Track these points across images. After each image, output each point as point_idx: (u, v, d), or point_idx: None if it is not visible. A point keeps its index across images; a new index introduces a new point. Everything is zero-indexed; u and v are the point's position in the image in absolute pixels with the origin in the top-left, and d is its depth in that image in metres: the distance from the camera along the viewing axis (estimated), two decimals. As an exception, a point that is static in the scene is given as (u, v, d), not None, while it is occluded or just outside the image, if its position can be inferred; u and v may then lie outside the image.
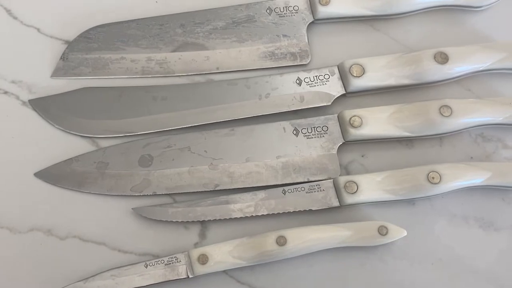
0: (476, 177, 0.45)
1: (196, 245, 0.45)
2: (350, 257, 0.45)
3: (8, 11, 0.51)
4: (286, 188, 0.45)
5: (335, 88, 0.48)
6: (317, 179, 0.46)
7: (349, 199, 0.45)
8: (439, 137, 0.48)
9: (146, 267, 0.43)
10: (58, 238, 0.45)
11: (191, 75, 0.50)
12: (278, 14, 0.50)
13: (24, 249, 0.45)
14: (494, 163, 0.46)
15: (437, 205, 0.47)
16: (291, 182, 0.46)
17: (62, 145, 0.47)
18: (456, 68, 0.47)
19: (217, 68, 0.50)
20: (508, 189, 0.46)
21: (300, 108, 0.48)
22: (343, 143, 0.47)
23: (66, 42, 0.50)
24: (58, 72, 0.49)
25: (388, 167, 0.46)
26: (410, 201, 0.46)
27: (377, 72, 0.48)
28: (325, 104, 0.48)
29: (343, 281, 0.45)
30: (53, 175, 0.46)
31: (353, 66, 0.47)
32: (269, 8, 0.50)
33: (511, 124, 0.47)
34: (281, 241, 0.42)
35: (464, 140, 0.48)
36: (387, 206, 0.46)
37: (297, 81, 0.48)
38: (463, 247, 0.46)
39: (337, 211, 0.46)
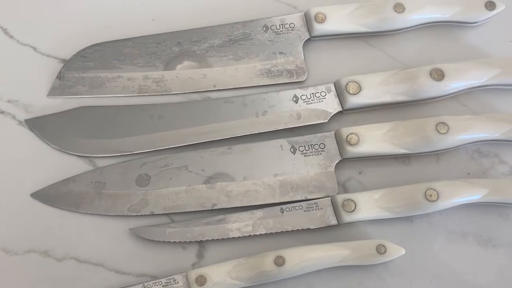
0: (473, 194, 0.45)
1: (194, 265, 0.45)
2: (348, 275, 0.45)
3: (5, 30, 0.51)
4: (284, 206, 0.45)
5: (331, 105, 0.48)
6: (315, 197, 0.46)
7: (347, 218, 0.44)
8: (436, 154, 0.48)
9: (144, 288, 0.43)
10: (55, 259, 0.45)
11: (188, 93, 0.50)
12: (274, 32, 0.51)
13: (20, 271, 0.45)
14: (491, 180, 0.46)
15: (435, 222, 0.47)
16: (289, 200, 0.46)
17: (59, 165, 0.47)
18: (452, 84, 0.48)
19: (214, 86, 0.50)
20: (505, 206, 0.47)
21: (297, 126, 0.48)
22: (340, 160, 0.47)
23: (63, 61, 0.50)
24: (54, 91, 0.49)
25: (385, 184, 0.46)
26: (408, 219, 0.46)
27: (373, 89, 0.48)
28: (322, 122, 0.48)
29: (342, 300, 0.45)
30: (50, 195, 0.46)
31: (349, 83, 0.48)
32: (265, 25, 0.51)
33: (508, 140, 0.47)
34: (279, 262, 0.42)
35: (461, 156, 0.49)
36: (385, 223, 0.46)
37: (294, 99, 0.48)
38: (461, 264, 0.46)
39: (335, 230, 0.46)
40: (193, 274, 0.43)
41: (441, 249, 0.46)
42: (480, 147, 0.49)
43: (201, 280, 0.42)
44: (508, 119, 0.47)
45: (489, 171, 0.48)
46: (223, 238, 0.45)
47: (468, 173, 0.48)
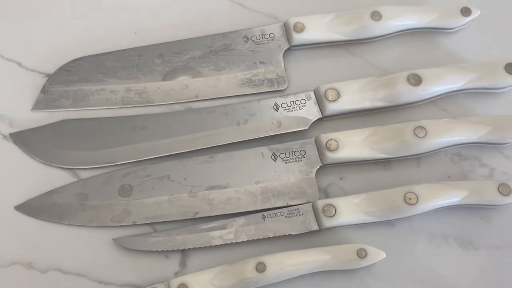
0: (452, 196, 0.45)
1: (176, 274, 0.45)
2: (331, 281, 0.45)
3: (-11, 47, 0.52)
4: (265, 213, 0.46)
5: (311, 112, 0.49)
6: (296, 203, 0.46)
7: (327, 223, 0.45)
8: (417, 158, 0.49)
9: (127, 298, 0.43)
10: (39, 271, 0.45)
11: (170, 103, 0.51)
12: (255, 42, 0.51)
13: (4, 283, 0.45)
14: (470, 182, 0.47)
15: (416, 226, 0.47)
16: (271, 207, 0.46)
17: (43, 177, 0.48)
18: (430, 89, 0.48)
19: (196, 96, 0.51)
20: (486, 208, 0.47)
21: (278, 133, 0.48)
22: (321, 166, 0.47)
23: (47, 75, 0.51)
24: (38, 105, 0.50)
25: (367, 189, 0.47)
26: (390, 223, 0.47)
27: (352, 96, 0.48)
28: (302, 129, 0.48)
29: (325, 305, 0.45)
30: (34, 208, 0.46)
31: (328, 90, 0.48)
32: (245, 36, 0.52)
33: (486, 142, 0.48)
34: (261, 268, 0.42)
35: (441, 159, 0.49)
36: (367, 228, 0.46)
37: (275, 107, 0.49)
38: (443, 266, 0.46)
39: (317, 235, 0.46)
40: (175, 282, 0.43)
41: (423, 252, 0.46)
42: (460, 151, 0.49)
43: (183, 288, 0.42)
44: (486, 122, 0.48)
45: (469, 174, 0.49)
46: (205, 246, 0.45)
47: (449, 176, 0.49)
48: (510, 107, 0.50)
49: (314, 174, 0.47)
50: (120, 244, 0.45)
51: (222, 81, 0.51)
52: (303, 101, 0.49)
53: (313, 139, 0.48)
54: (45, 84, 0.50)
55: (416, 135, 0.46)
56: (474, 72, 0.49)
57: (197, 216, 0.46)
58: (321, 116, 0.49)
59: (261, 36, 0.52)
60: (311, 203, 0.46)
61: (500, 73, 0.49)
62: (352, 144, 0.47)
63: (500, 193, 0.45)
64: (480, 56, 0.52)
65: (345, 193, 0.48)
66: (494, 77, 0.49)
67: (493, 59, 0.50)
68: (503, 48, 0.53)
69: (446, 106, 0.51)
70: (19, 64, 0.51)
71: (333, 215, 0.45)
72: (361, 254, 0.43)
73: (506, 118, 0.48)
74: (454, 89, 0.49)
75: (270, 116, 0.49)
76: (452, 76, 0.49)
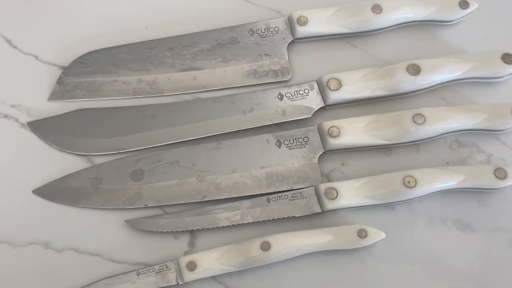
0: (450, 180, 0.47)
1: (186, 253, 0.47)
2: (333, 260, 0.47)
3: (8, 41, 0.54)
4: (270, 196, 0.47)
5: (314, 101, 0.51)
6: (299, 187, 0.48)
7: (329, 205, 0.47)
8: (416, 144, 0.50)
9: (138, 275, 0.45)
10: (55, 250, 0.48)
11: (179, 94, 0.53)
12: (260, 35, 0.53)
13: (23, 262, 0.47)
14: (467, 167, 0.48)
15: (415, 209, 0.49)
16: (275, 191, 0.48)
17: (59, 163, 0.50)
18: (428, 78, 0.50)
19: (204, 87, 0.53)
20: (483, 192, 0.48)
21: (282, 121, 0.50)
22: (323, 152, 0.49)
23: (62, 67, 0.53)
24: (54, 95, 0.52)
25: (368, 174, 0.48)
26: (390, 206, 0.48)
27: (353, 85, 0.50)
28: (305, 117, 0.50)
29: (327, 283, 0.47)
30: (51, 191, 0.49)
31: (330, 80, 0.50)
32: (251, 29, 0.54)
33: (483, 129, 0.49)
34: (266, 247, 0.44)
35: (440, 146, 0.51)
36: (368, 211, 0.48)
37: (279, 96, 0.51)
38: (441, 248, 0.47)
39: (319, 217, 0.48)
40: (184, 260, 0.45)
41: (421, 234, 0.48)
42: (459, 138, 0.51)
43: (192, 266, 0.44)
44: (483, 109, 0.49)
45: (467, 160, 0.50)
46: (213, 227, 0.47)
47: (447, 162, 0.50)
48: (506, 96, 0.52)
49: (317, 159, 0.49)
50: (132, 225, 0.47)
51: (229, 73, 0.53)
52: (306, 91, 0.51)
53: (316, 126, 0.50)
54: (60, 76, 0.53)
55: (415, 122, 0.48)
56: (471, 62, 0.50)
57: (205, 199, 0.48)
58: (324, 105, 0.51)
59: (266, 29, 0.54)
60: (313, 187, 0.48)
61: (497, 63, 0.50)
62: (354, 130, 0.49)
63: (496, 177, 0.47)
64: (478, 48, 0.53)
65: (346, 178, 0.49)
66: (491, 67, 0.50)
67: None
68: (500, 40, 0.54)
69: (445, 95, 0.52)
70: (36, 58, 0.54)
71: (335, 198, 0.46)
72: (362, 234, 0.45)
73: (502, 105, 0.49)
74: (452, 78, 0.51)
75: (274, 105, 0.51)
76: (450, 66, 0.50)
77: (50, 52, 0.54)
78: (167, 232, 0.47)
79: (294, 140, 0.49)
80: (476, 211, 0.48)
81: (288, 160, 0.49)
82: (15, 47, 0.54)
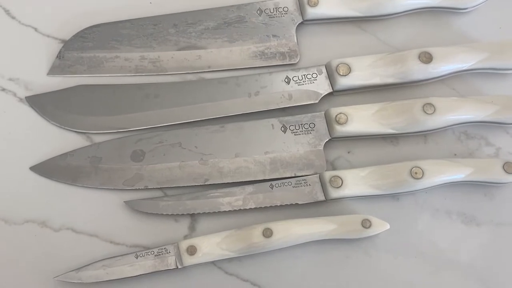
0: (457, 172, 0.46)
1: (185, 237, 0.47)
2: (335, 249, 0.46)
3: (7, 11, 0.53)
4: (273, 182, 0.47)
5: (322, 86, 0.49)
6: (303, 174, 0.47)
7: (334, 193, 0.46)
8: (424, 135, 0.50)
9: (137, 257, 0.44)
10: (52, 229, 0.47)
11: (183, 73, 0.51)
12: (268, 15, 0.52)
13: (19, 240, 0.46)
14: (475, 160, 0.47)
15: (420, 200, 0.48)
16: (279, 177, 0.47)
17: (58, 140, 0.49)
18: (440, 67, 0.49)
19: (209, 67, 0.51)
20: (489, 185, 0.48)
21: (288, 106, 0.49)
22: (329, 139, 0.48)
23: (62, 41, 0.52)
24: (54, 70, 0.51)
25: (373, 164, 0.47)
26: (394, 196, 0.48)
27: (363, 71, 0.49)
28: (312, 102, 0.49)
29: (329, 272, 0.46)
30: (48, 169, 0.48)
31: (339, 65, 0.49)
32: (259, 9, 0.52)
33: (493, 122, 0.48)
34: (267, 233, 0.44)
35: (448, 137, 0.50)
36: (372, 201, 0.47)
37: (286, 80, 0.50)
38: (445, 241, 0.47)
39: (323, 205, 0.47)
40: (184, 244, 0.44)
41: (425, 226, 0.47)
42: (467, 129, 0.50)
43: (192, 250, 0.44)
44: (494, 101, 0.48)
45: (475, 152, 0.49)
46: (214, 212, 0.46)
47: (455, 154, 0.49)
48: (519, 88, 0.51)
49: (323, 146, 0.48)
50: (132, 207, 0.46)
51: (235, 53, 0.51)
52: (314, 75, 0.50)
53: (323, 112, 0.49)
54: (61, 49, 0.51)
55: (425, 112, 0.47)
56: (485, 51, 0.49)
57: (207, 182, 0.47)
58: (332, 90, 0.49)
59: (274, 9, 0.52)
60: (318, 174, 0.47)
61: (511, 54, 0.49)
62: (361, 118, 0.48)
63: (505, 171, 0.46)
64: (491, 38, 0.52)
65: (352, 166, 0.49)
66: (504, 57, 0.49)
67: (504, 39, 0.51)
68: (515, 30, 0.53)
69: (456, 85, 0.51)
70: (36, 30, 0.52)
71: (339, 186, 0.46)
72: (366, 224, 0.44)
73: (514, 98, 0.48)
74: (464, 68, 0.49)
75: (281, 89, 0.49)
76: (463, 55, 0.49)
77: (51, 25, 0.52)
78: (167, 214, 0.46)
79: (300, 126, 0.48)
80: (482, 205, 0.48)
81: (293, 146, 0.48)
82: (13, 17, 0.53)
